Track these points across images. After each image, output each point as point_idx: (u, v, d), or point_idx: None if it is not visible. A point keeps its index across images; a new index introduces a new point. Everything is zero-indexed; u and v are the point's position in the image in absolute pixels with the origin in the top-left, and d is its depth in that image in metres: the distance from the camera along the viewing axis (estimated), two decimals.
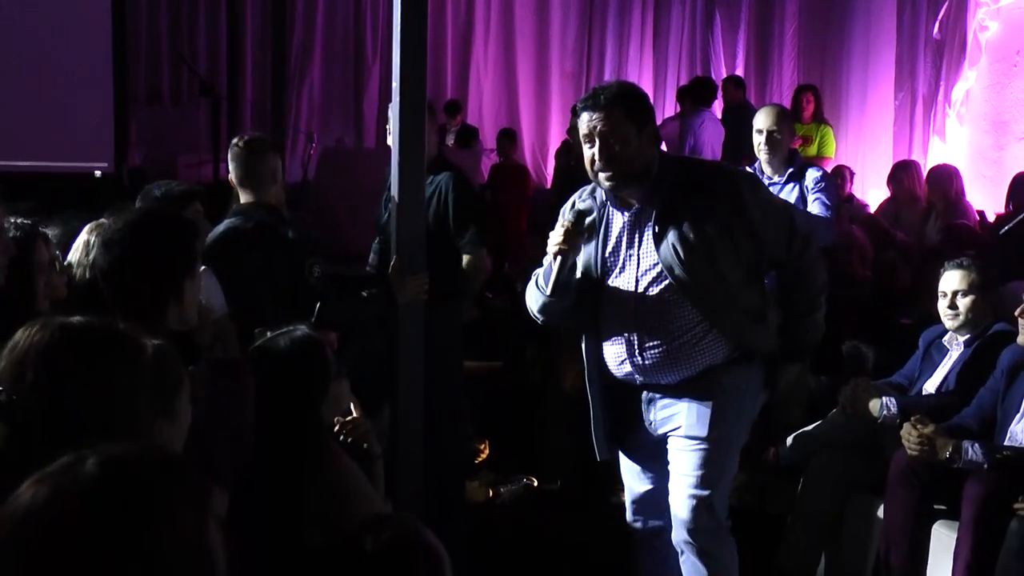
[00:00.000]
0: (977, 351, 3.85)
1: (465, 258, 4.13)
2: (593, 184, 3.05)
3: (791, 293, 3.17)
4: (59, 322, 1.75)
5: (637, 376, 3.03)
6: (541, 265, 3.06)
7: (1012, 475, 3.22)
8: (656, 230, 2.92)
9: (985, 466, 3.31)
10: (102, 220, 3.31)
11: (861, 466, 3.87)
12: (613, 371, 3.07)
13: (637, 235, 2.97)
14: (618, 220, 3.01)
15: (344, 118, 11.91)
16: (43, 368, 1.69)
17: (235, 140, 3.59)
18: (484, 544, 4.18)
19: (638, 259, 2.96)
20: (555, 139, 11.88)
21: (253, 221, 3.39)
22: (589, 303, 3.05)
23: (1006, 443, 3.47)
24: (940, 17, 9.02)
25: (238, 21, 9.96)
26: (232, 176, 3.55)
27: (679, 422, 3.02)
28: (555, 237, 2.92)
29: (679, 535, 3.05)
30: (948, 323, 3.93)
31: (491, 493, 4.84)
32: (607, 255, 3.01)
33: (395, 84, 3.42)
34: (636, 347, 2.98)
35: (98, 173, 7.70)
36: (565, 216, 2.98)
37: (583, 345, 3.16)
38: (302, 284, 3.31)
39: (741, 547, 3.17)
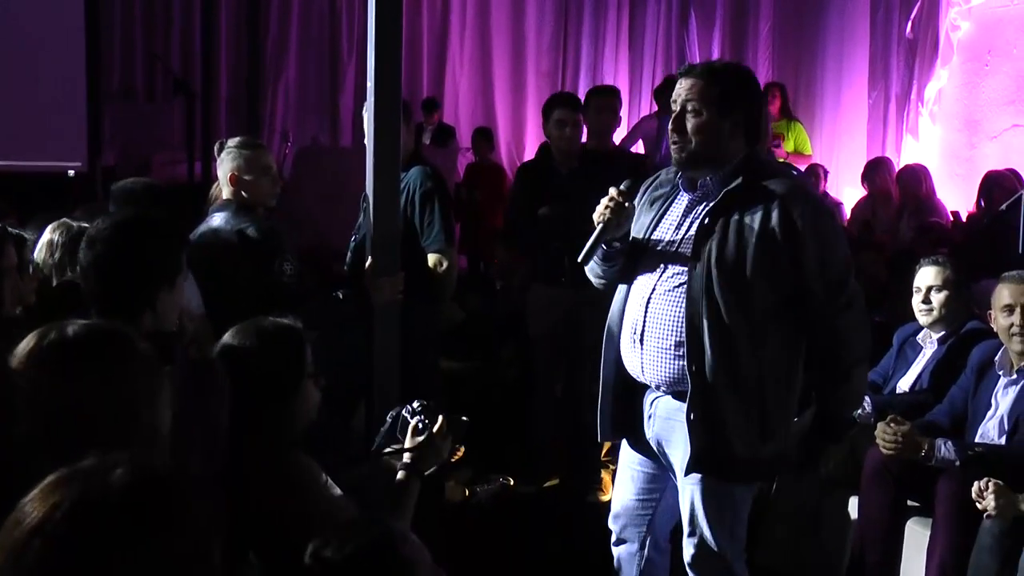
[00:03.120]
0: (951, 349, 3.89)
1: (431, 257, 4.04)
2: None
3: (823, 354, 2.80)
4: (72, 325, 1.77)
5: (636, 368, 2.86)
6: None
7: (984, 471, 3.24)
8: (705, 222, 2.75)
9: (957, 463, 3.34)
10: (64, 220, 3.30)
11: (837, 463, 3.89)
12: (624, 356, 2.90)
13: (687, 221, 2.82)
14: (682, 201, 2.88)
15: (319, 116, 11.82)
16: (54, 371, 1.70)
17: (224, 141, 3.62)
18: (460, 544, 4.17)
19: (678, 244, 2.80)
20: (531, 138, 11.86)
21: (230, 223, 3.39)
22: (631, 272, 2.90)
23: (977, 440, 3.50)
24: (913, 17, 9.07)
25: (212, 18, 9.87)
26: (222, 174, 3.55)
27: (675, 452, 2.82)
28: (602, 204, 2.84)
29: None
30: (922, 319, 3.96)
31: (467, 493, 4.83)
32: (655, 228, 2.88)
33: (370, 83, 3.40)
34: (641, 331, 2.81)
35: (71, 172, 7.62)
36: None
37: (607, 323, 2.98)
38: (271, 282, 3.29)
39: None
